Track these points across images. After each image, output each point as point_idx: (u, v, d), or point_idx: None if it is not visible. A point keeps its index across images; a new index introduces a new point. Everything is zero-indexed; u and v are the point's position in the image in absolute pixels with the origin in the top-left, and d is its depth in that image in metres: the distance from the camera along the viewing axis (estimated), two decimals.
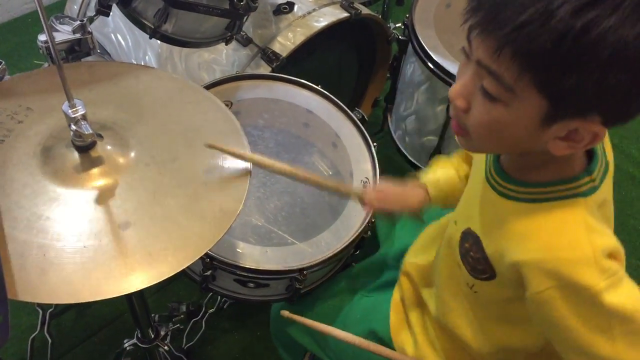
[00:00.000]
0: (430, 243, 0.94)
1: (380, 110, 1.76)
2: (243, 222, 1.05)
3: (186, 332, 1.40)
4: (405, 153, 1.59)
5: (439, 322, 0.87)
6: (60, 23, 0.94)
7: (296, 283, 0.99)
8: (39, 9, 0.62)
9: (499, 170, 0.69)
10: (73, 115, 0.68)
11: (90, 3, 1.40)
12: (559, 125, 0.57)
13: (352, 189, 1.00)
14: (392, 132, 1.65)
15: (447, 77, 1.30)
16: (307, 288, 1.06)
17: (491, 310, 0.77)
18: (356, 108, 1.24)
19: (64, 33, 0.93)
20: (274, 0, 1.35)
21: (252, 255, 0.98)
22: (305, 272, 0.96)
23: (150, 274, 0.64)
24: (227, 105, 0.88)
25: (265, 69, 1.27)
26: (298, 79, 1.22)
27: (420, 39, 1.36)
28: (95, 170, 0.72)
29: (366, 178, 1.11)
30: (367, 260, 1.10)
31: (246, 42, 1.31)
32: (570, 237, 0.61)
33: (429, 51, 1.33)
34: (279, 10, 1.33)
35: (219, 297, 1.46)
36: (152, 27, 1.05)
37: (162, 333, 1.15)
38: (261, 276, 0.98)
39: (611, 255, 0.61)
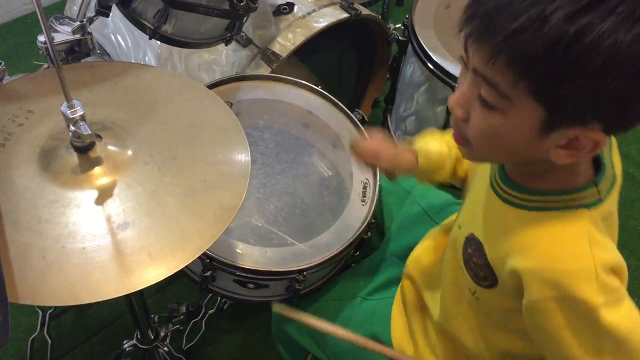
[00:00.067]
0: (433, 246, 0.94)
1: (380, 111, 1.76)
2: (243, 223, 1.05)
3: (186, 332, 1.40)
4: None
5: (440, 326, 0.86)
6: (60, 24, 0.94)
7: (296, 284, 0.98)
8: (37, 10, 0.62)
9: (503, 177, 0.69)
10: (72, 116, 0.68)
11: (90, 4, 1.40)
12: (559, 134, 0.56)
13: (351, 138, 0.97)
14: (392, 132, 1.65)
15: (447, 78, 1.30)
16: (307, 289, 1.06)
17: (492, 318, 0.77)
18: (356, 109, 1.24)
19: (64, 34, 0.93)
20: (274, 0, 1.35)
21: (252, 256, 0.98)
22: (305, 273, 0.96)
23: (150, 274, 0.64)
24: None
25: (265, 70, 1.27)
26: (298, 80, 1.22)
27: (420, 39, 1.36)
28: (94, 171, 0.72)
29: (366, 179, 1.11)
30: (366, 260, 1.10)
31: (246, 42, 1.31)
32: (572, 248, 0.61)
33: (428, 52, 1.33)
34: (279, 11, 1.33)
35: (219, 298, 1.46)
36: (152, 27, 1.05)
37: (162, 334, 1.15)
38: (261, 277, 0.98)
39: (613, 271, 0.60)
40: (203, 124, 0.82)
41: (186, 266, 0.66)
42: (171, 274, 0.64)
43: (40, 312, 1.35)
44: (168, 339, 1.26)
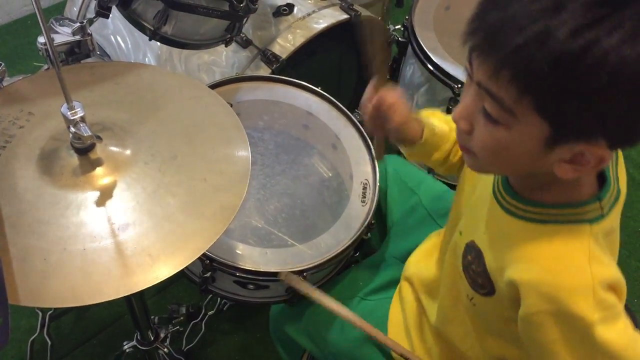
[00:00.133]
0: (433, 250, 0.94)
1: None
2: (243, 224, 1.05)
3: (186, 334, 1.40)
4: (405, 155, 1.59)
5: (437, 330, 0.86)
6: (60, 25, 0.94)
7: None
8: (37, 11, 0.62)
9: (506, 187, 0.68)
10: (72, 118, 0.68)
11: (90, 5, 1.40)
12: (563, 148, 0.56)
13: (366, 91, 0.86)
14: None
15: (446, 79, 1.30)
16: None
17: (489, 325, 0.77)
18: (356, 110, 1.24)
19: (64, 35, 0.93)
20: (274, 2, 1.35)
21: (252, 257, 0.98)
22: (305, 274, 0.96)
23: (151, 275, 0.64)
24: None
25: (265, 71, 1.27)
26: (298, 81, 1.22)
27: (419, 40, 1.36)
28: (95, 172, 0.72)
29: (366, 180, 1.11)
30: (366, 261, 1.10)
31: (246, 43, 1.31)
32: (571, 263, 0.61)
33: (428, 53, 1.33)
34: (279, 12, 1.33)
35: (219, 299, 1.46)
36: (152, 28, 1.05)
37: (162, 335, 1.15)
38: (261, 278, 0.98)
39: (611, 287, 0.60)
40: (203, 123, 0.82)
41: (186, 267, 0.66)
42: (172, 274, 0.64)
43: (40, 314, 1.35)
44: (168, 340, 1.26)
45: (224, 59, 1.35)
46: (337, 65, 1.57)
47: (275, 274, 0.97)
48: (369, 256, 1.12)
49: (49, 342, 1.34)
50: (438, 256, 0.90)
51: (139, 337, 1.11)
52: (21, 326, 1.38)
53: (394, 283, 1.00)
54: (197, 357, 1.40)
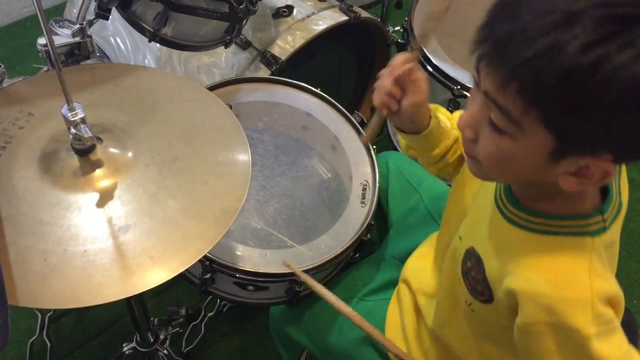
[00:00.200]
0: (432, 253, 0.93)
1: None
2: (242, 225, 1.05)
3: (185, 335, 1.40)
4: None
5: (434, 333, 0.86)
6: (60, 26, 0.94)
7: (296, 286, 0.98)
8: (38, 12, 0.62)
9: (509, 196, 0.68)
10: (72, 119, 0.68)
11: (89, 6, 1.40)
12: (569, 161, 0.55)
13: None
14: (391, 135, 1.65)
15: (446, 80, 1.30)
16: (307, 291, 1.05)
17: (486, 331, 0.76)
18: (355, 111, 1.24)
19: (64, 36, 0.93)
20: (273, 3, 1.35)
21: (252, 258, 0.98)
22: None
23: (151, 277, 0.64)
24: None
25: (264, 72, 1.27)
26: (297, 82, 1.22)
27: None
28: (95, 174, 0.72)
29: (365, 181, 1.11)
30: (366, 261, 1.10)
31: (245, 45, 1.31)
32: (571, 276, 0.61)
33: (427, 54, 1.33)
34: (278, 14, 1.33)
35: (218, 301, 1.46)
36: (152, 30, 1.05)
37: (161, 337, 1.15)
38: (260, 279, 0.98)
39: (609, 302, 0.60)
40: (203, 125, 0.82)
41: (186, 269, 0.66)
42: (173, 276, 0.64)
43: (40, 315, 1.35)
44: (167, 341, 1.26)
45: (224, 60, 1.35)
46: (336, 66, 1.57)
47: (275, 275, 0.97)
48: (369, 255, 1.11)
49: (49, 344, 1.34)
50: (437, 260, 0.90)
51: (138, 339, 1.11)
52: (20, 328, 1.37)
53: (392, 284, 1.00)
54: (196, 359, 1.40)
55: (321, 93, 1.21)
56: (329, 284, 1.06)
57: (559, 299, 0.60)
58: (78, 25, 0.94)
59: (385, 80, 0.77)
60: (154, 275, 0.64)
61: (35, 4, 0.63)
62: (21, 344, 1.34)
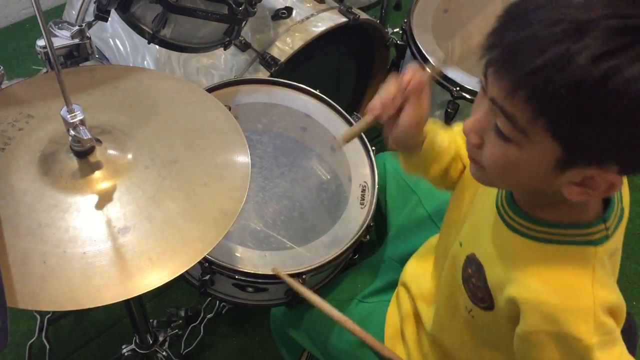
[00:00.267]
0: (431, 257, 0.93)
1: None
2: (241, 227, 1.05)
3: (184, 337, 1.40)
4: None
5: (433, 337, 0.86)
6: (59, 28, 0.94)
7: None
8: (37, 14, 0.62)
9: (511, 203, 0.67)
10: (71, 121, 0.68)
11: (88, 8, 1.40)
12: (574, 172, 0.55)
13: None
14: None
15: (445, 82, 1.30)
16: None
17: (486, 337, 0.76)
18: (354, 112, 1.24)
19: (63, 38, 0.93)
20: (273, 5, 1.35)
21: (251, 260, 0.98)
22: (304, 277, 0.96)
23: (150, 279, 0.64)
24: None
25: (263, 74, 1.27)
26: (296, 84, 1.22)
27: (418, 43, 1.36)
28: (94, 176, 0.72)
29: (365, 182, 1.11)
30: (365, 262, 1.10)
31: (244, 47, 1.31)
32: (574, 286, 0.60)
33: (427, 56, 1.33)
34: (278, 16, 1.33)
35: (218, 302, 1.45)
36: (151, 32, 1.06)
37: (161, 338, 1.15)
38: (260, 280, 0.98)
39: (611, 312, 0.60)
40: (203, 127, 0.82)
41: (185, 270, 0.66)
42: (172, 278, 0.64)
43: (39, 317, 1.35)
44: (167, 343, 1.26)
45: (223, 62, 1.35)
46: (335, 68, 1.57)
47: (274, 276, 0.97)
48: (368, 257, 1.11)
49: (48, 346, 1.34)
50: (435, 264, 0.90)
51: (137, 341, 1.11)
52: (19, 330, 1.37)
53: (392, 286, 1.00)
54: None
55: (320, 94, 1.21)
56: (328, 286, 1.07)
57: (561, 309, 0.59)
58: (77, 27, 0.94)
59: (392, 86, 0.77)
60: (153, 277, 0.64)
61: (34, 5, 0.63)
62: (20, 345, 1.34)
